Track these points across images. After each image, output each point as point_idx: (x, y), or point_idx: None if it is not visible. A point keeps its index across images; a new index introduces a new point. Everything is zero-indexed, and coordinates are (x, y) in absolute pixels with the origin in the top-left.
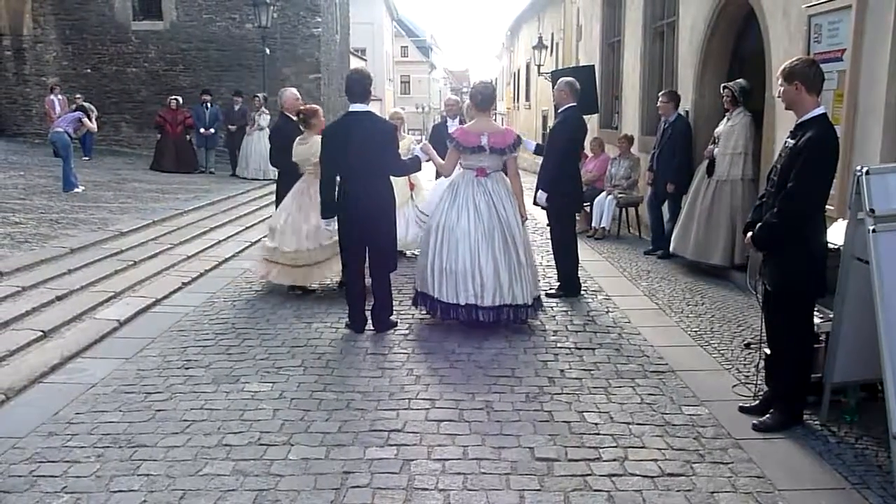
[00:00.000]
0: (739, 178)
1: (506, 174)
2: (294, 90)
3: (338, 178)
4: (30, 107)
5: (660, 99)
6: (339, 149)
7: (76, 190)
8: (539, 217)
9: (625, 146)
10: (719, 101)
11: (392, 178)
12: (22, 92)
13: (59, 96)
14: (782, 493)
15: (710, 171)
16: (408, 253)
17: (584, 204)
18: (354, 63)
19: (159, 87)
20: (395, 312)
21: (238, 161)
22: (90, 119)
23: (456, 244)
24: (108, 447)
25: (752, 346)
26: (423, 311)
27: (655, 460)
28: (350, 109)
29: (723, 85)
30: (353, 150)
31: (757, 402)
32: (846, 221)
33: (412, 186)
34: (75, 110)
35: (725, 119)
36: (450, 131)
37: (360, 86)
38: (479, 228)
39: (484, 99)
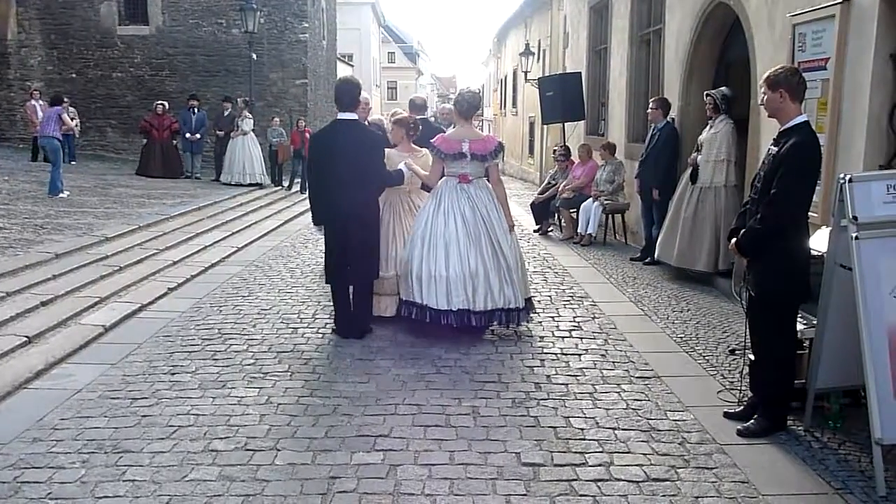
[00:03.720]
0: (723, 184)
1: (489, 181)
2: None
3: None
4: (14, 112)
5: (650, 105)
6: (327, 157)
7: (61, 195)
8: (525, 224)
9: (606, 154)
10: (704, 108)
11: None
12: (6, 97)
13: (41, 101)
14: (766, 498)
15: (694, 178)
16: None
17: (571, 210)
18: (341, 69)
19: (145, 93)
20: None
21: (223, 166)
22: (68, 115)
23: (445, 250)
24: (93, 453)
25: (736, 352)
26: (412, 317)
27: (641, 465)
28: (338, 117)
29: (705, 92)
30: (340, 158)
31: (741, 407)
32: (830, 229)
33: None
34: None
35: (708, 126)
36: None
37: (348, 95)
38: (466, 233)
39: (468, 106)
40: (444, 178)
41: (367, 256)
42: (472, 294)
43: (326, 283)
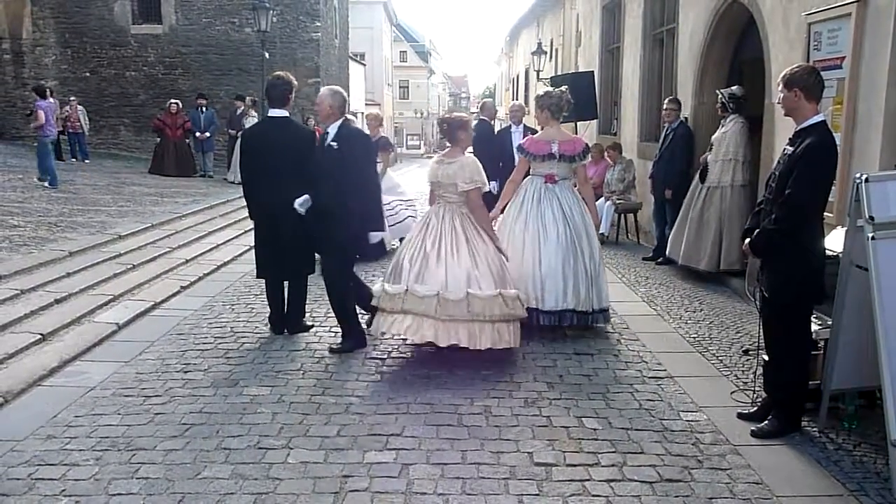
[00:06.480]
0: (729, 184)
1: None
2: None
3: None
4: (29, 110)
5: (665, 104)
6: (258, 153)
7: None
8: None
9: (614, 154)
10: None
11: None
12: (21, 95)
13: (51, 100)
14: (780, 499)
15: (703, 177)
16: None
17: None
18: (353, 68)
19: (158, 91)
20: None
21: (231, 165)
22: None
23: (530, 251)
24: (106, 450)
25: (750, 352)
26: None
27: (654, 466)
28: (269, 114)
29: (716, 91)
30: (271, 154)
31: (755, 408)
32: (845, 228)
33: None
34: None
35: (721, 126)
36: (514, 138)
37: (277, 91)
38: (556, 233)
39: (557, 108)
40: (528, 177)
41: (298, 252)
42: (562, 294)
43: (257, 277)
